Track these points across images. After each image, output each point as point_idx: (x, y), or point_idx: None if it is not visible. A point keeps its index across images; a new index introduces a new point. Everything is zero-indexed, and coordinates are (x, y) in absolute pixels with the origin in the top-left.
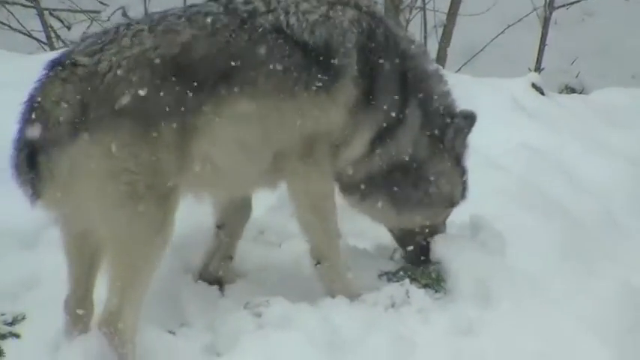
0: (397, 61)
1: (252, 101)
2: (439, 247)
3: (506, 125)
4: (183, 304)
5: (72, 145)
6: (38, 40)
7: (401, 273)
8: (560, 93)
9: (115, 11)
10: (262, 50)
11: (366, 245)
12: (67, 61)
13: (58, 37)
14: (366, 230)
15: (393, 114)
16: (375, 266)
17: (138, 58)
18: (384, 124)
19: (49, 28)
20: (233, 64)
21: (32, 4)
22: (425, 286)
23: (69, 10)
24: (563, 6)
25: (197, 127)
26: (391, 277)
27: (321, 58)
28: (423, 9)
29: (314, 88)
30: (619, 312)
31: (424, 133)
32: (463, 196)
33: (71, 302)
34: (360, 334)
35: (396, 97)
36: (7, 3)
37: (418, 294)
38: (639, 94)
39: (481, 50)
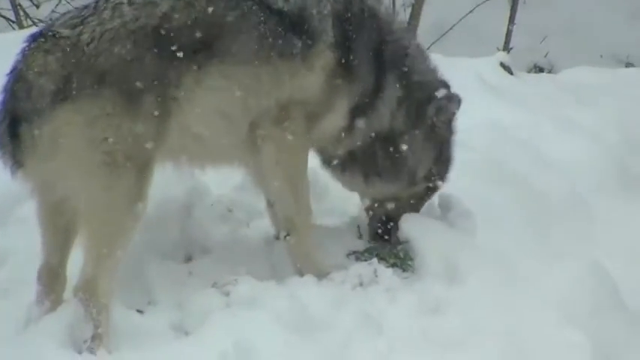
0: (374, 33)
1: (230, 69)
2: (407, 225)
3: (474, 104)
4: (151, 283)
5: (54, 114)
6: (7, 19)
7: (369, 252)
8: (529, 72)
9: None
10: (238, 18)
11: (334, 224)
12: (49, 33)
13: (27, 15)
14: (334, 209)
15: (370, 86)
16: (344, 245)
17: (119, 29)
18: (362, 97)
19: (18, 7)
20: (210, 32)
21: None
22: (393, 265)
23: None
24: None
25: (177, 97)
26: (359, 256)
27: (296, 25)
28: None
29: (290, 54)
30: (586, 291)
31: (402, 108)
32: (431, 177)
33: (44, 273)
34: (328, 312)
35: (373, 69)
36: None
37: (386, 273)
38: (608, 73)
39: (450, 29)
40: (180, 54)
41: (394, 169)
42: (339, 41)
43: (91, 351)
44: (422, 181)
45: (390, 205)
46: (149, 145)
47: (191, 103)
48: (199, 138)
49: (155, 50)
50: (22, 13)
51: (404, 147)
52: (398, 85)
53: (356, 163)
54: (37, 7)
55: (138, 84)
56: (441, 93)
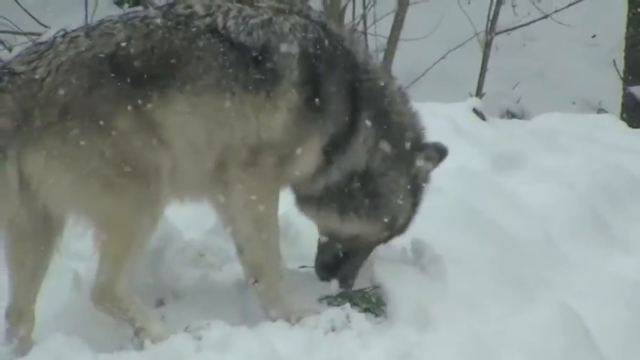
0: (347, 72)
1: (191, 98)
2: (380, 271)
3: None
4: (122, 327)
5: (26, 155)
6: None
7: (341, 297)
8: (502, 118)
9: (56, 33)
10: (196, 49)
11: (306, 269)
12: (5, 71)
13: None
14: (307, 254)
15: (344, 125)
16: (316, 290)
17: (74, 59)
18: (335, 136)
19: None
20: (168, 62)
21: None
22: (365, 310)
23: (10, 32)
24: (505, 31)
25: (150, 114)
26: (332, 300)
27: (258, 60)
28: (365, 33)
29: (254, 89)
30: (558, 335)
31: (380, 148)
32: (403, 227)
33: (12, 312)
34: (300, 357)
35: (346, 108)
36: None
37: (358, 318)
38: (579, 118)
39: (422, 75)
40: (139, 80)
41: (374, 209)
42: (306, 79)
43: (142, 345)
44: (400, 229)
45: (353, 244)
46: (143, 153)
47: (162, 123)
48: (176, 159)
49: (113, 75)
50: None
51: (383, 189)
52: (375, 125)
53: (333, 200)
54: (10, 50)
55: (105, 108)
56: (430, 144)
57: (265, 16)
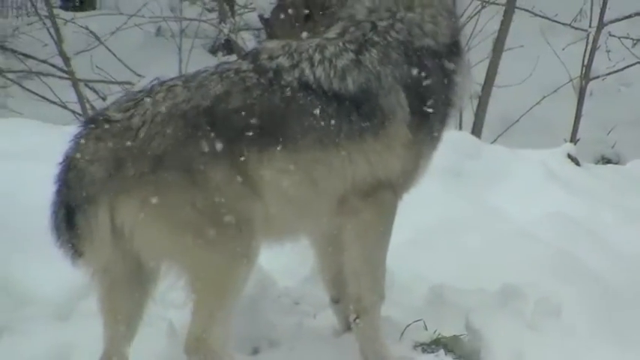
0: (441, 78)
1: (291, 156)
2: (474, 317)
3: (541, 195)
4: None
5: (118, 204)
6: (73, 112)
7: (436, 344)
8: (597, 163)
9: (151, 81)
10: (293, 109)
11: (400, 315)
12: (100, 118)
13: (93, 108)
14: (400, 300)
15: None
16: (410, 337)
17: (171, 110)
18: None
19: (84, 100)
20: (268, 121)
21: (67, 76)
22: (460, 357)
23: (103, 82)
24: (599, 77)
25: (247, 172)
26: (426, 347)
27: (360, 104)
28: None
29: (359, 137)
30: None
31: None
32: None
33: None
34: None
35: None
36: (42, 74)
37: None
38: None
39: (517, 121)
40: (236, 135)
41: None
42: (415, 108)
43: None
44: None
45: None
46: (236, 205)
47: (258, 178)
48: (271, 210)
49: (209, 129)
50: (88, 105)
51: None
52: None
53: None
54: (104, 99)
55: (198, 161)
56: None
57: (351, 55)
